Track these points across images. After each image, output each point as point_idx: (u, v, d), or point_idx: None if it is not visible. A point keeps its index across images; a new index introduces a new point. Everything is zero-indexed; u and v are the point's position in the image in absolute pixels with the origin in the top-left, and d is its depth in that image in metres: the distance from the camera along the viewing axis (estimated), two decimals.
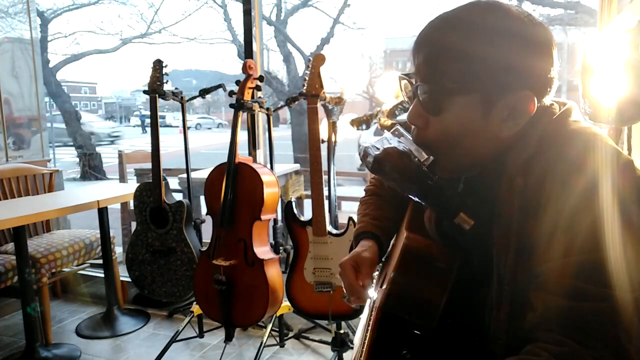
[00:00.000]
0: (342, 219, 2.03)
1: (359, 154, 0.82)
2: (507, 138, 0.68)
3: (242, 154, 2.03)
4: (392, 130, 0.80)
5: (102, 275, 2.69)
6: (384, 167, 0.73)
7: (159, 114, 2.35)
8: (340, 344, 2.05)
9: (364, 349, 0.73)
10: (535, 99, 0.65)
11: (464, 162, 0.72)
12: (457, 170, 0.74)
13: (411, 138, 0.75)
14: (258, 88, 2.14)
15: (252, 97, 2.12)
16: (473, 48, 0.64)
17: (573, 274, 0.58)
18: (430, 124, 0.70)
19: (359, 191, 1.10)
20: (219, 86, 2.28)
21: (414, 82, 0.72)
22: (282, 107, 2.30)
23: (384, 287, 0.75)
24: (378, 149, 0.75)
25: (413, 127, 0.73)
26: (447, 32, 0.67)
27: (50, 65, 10.83)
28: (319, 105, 1.95)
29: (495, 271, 0.67)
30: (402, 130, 0.79)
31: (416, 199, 0.74)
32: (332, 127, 2.04)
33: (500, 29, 0.65)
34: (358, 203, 1.08)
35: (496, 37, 0.64)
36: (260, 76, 2.12)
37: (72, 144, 11.24)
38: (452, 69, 0.65)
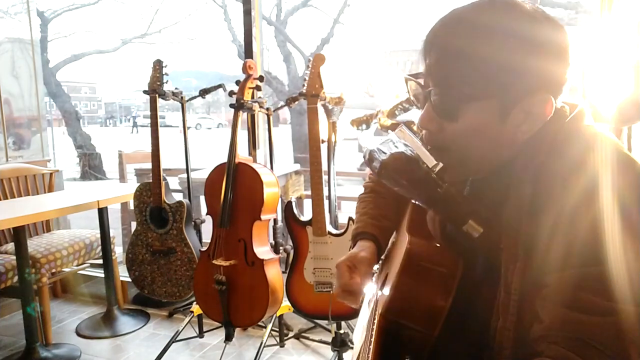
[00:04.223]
0: (342, 219, 2.03)
1: (364, 157, 0.79)
2: (520, 142, 0.66)
3: (242, 154, 2.03)
4: (396, 131, 0.78)
5: (102, 275, 2.69)
6: (390, 174, 0.71)
7: (159, 113, 2.35)
8: (340, 344, 2.04)
9: (369, 356, 0.72)
10: (553, 101, 0.63)
11: (475, 166, 0.70)
12: (467, 173, 0.73)
13: (417, 139, 0.73)
14: (258, 88, 2.14)
15: (252, 97, 2.12)
16: (489, 52, 0.61)
17: (577, 285, 0.57)
18: (444, 129, 0.68)
19: (359, 191, 1.09)
20: (219, 86, 2.28)
21: (423, 84, 0.69)
22: (282, 107, 2.30)
23: (387, 292, 0.74)
24: (385, 153, 0.73)
25: (424, 130, 0.71)
26: (461, 33, 0.64)
27: (50, 65, 10.82)
28: (319, 105, 1.95)
29: (503, 279, 0.65)
30: (407, 130, 0.77)
31: (424, 206, 0.72)
32: (332, 127, 2.04)
33: (517, 30, 0.62)
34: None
35: (513, 39, 0.61)
36: (260, 76, 2.12)
37: None
38: (468, 74, 0.63)
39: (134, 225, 2.55)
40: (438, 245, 0.73)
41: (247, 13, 2.49)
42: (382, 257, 0.95)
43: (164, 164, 2.36)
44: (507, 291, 0.65)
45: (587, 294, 0.56)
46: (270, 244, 2.11)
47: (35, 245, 2.46)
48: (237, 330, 2.31)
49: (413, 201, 0.75)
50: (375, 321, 0.74)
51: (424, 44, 0.67)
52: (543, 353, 0.57)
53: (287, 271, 2.03)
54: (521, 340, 0.63)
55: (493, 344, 0.67)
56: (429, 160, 0.69)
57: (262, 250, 2.00)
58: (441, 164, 0.68)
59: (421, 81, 0.70)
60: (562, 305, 0.58)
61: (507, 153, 0.68)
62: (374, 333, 0.73)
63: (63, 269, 2.55)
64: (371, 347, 0.73)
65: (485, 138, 0.66)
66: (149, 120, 2.36)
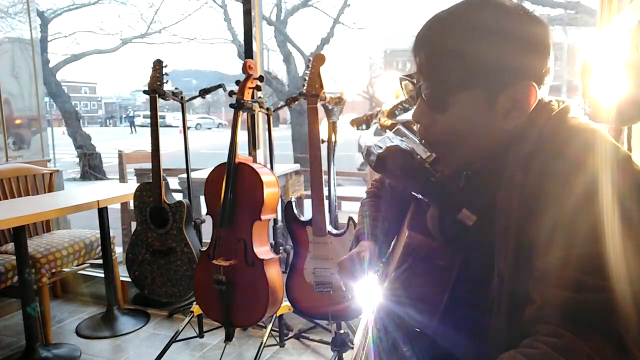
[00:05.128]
0: (342, 219, 2.03)
1: (362, 153, 0.83)
2: (510, 131, 0.69)
3: (242, 154, 2.03)
4: (394, 130, 0.81)
5: (102, 275, 2.69)
6: (386, 165, 0.74)
7: (159, 113, 2.35)
8: (340, 344, 2.04)
9: (366, 346, 0.74)
10: (537, 88, 0.67)
11: (469, 157, 0.72)
12: (461, 165, 0.75)
13: (414, 137, 0.75)
14: (258, 88, 2.14)
15: (252, 97, 2.12)
16: (472, 44, 0.66)
17: (571, 266, 0.58)
18: (436, 122, 0.71)
19: (359, 191, 1.11)
20: (219, 86, 2.28)
21: (416, 82, 0.73)
22: (282, 107, 2.30)
23: (387, 286, 0.76)
24: (381, 147, 0.76)
25: (419, 125, 0.74)
26: (446, 30, 0.68)
27: (50, 65, 10.84)
28: (319, 105, 1.95)
29: (496, 266, 0.67)
30: (404, 129, 0.80)
31: (419, 196, 0.75)
32: (332, 127, 2.04)
33: (497, 23, 0.66)
34: (358, 203, 1.09)
35: (493, 31, 0.66)
36: (260, 76, 2.12)
37: None
38: (454, 67, 0.67)
39: (134, 225, 2.55)
40: (436, 240, 0.75)
41: (247, 13, 2.49)
42: (384, 259, 0.96)
43: (164, 164, 2.36)
44: (500, 277, 0.67)
45: (578, 273, 0.57)
46: (270, 244, 2.11)
47: (35, 245, 2.46)
48: (237, 330, 2.31)
49: (410, 193, 0.76)
50: (375, 314, 0.75)
51: (414, 45, 0.71)
52: (537, 332, 0.58)
53: (287, 271, 2.03)
54: (515, 325, 0.64)
55: (489, 332, 0.68)
56: (423, 152, 0.71)
57: (262, 250, 2.00)
58: (434, 155, 0.71)
59: (414, 80, 0.73)
60: (554, 286, 0.59)
61: (499, 141, 0.70)
62: (373, 325, 0.74)
63: (63, 269, 2.55)
64: (370, 337, 0.74)
65: (475, 127, 0.69)
66: (148, 120, 2.36)
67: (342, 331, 2.05)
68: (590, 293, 0.56)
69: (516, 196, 0.66)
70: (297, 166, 3.34)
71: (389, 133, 0.81)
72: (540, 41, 0.67)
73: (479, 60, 0.66)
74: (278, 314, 2.14)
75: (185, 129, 2.41)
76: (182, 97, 2.37)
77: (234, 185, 1.96)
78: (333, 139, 2.05)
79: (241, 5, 2.50)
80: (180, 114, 2.39)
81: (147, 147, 2.52)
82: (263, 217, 1.95)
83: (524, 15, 0.68)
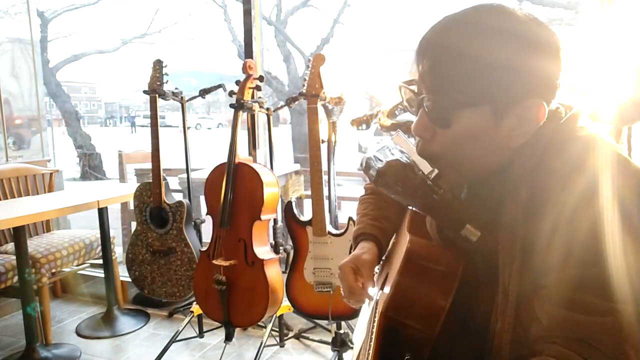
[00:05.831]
0: (342, 219, 2.03)
1: (361, 165, 0.80)
2: (514, 148, 0.66)
3: (242, 154, 2.03)
4: (393, 137, 0.79)
5: (102, 275, 2.69)
6: (387, 181, 0.71)
7: (159, 113, 2.35)
8: (340, 344, 2.04)
9: (369, 354, 0.73)
10: (545, 106, 0.63)
11: (470, 171, 0.70)
12: (462, 179, 0.73)
13: (414, 147, 0.73)
14: (258, 88, 2.14)
15: (252, 97, 2.12)
16: (481, 56, 0.61)
17: (576, 286, 0.57)
18: (438, 136, 0.67)
19: (359, 191, 1.09)
20: (219, 86, 2.28)
21: (417, 91, 0.69)
22: (282, 107, 2.30)
23: (388, 291, 0.74)
24: (381, 160, 0.73)
25: (418, 138, 0.71)
26: (453, 39, 0.64)
27: (50, 65, 10.83)
28: (319, 105, 1.94)
29: (500, 281, 0.66)
30: (403, 136, 0.77)
31: (420, 212, 0.73)
32: (332, 127, 2.04)
33: (509, 34, 0.62)
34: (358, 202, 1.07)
35: (505, 43, 0.61)
36: (260, 76, 2.11)
37: None
38: (461, 80, 0.62)
39: (134, 225, 2.55)
40: (438, 244, 0.73)
41: (247, 13, 2.48)
42: (383, 257, 0.95)
43: (164, 164, 2.36)
44: (504, 293, 0.65)
45: (585, 294, 0.56)
46: (270, 244, 2.11)
47: (35, 245, 2.46)
48: (237, 330, 2.31)
49: (412, 208, 0.75)
50: (376, 320, 0.74)
51: (417, 51, 0.67)
52: (543, 352, 0.57)
53: (287, 271, 2.03)
54: (519, 341, 0.63)
55: (492, 345, 0.67)
56: (425, 167, 0.69)
57: (262, 250, 1.99)
58: (437, 171, 0.68)
59: (414, 88, 0.69)
60: (561, 306, 0.58)
61: (502, 157, 0.68)
62: (374, 331, 0.73)
63: (63, 269, 2.55)
64: (372, 344, 0.73)
65: (479, 143, 0.66)
66: (148, 120, 2.36)
67: (342, 331, 2.05)
68: (597, 315, 0.56)
69: (521, 210, 0.64)
70: (297, 166, 3.34)
71: (389, 142, 0.78)
72: (551, 53, 0.63)
73: (487, 73, 0.61)
74: (278, 314, 2.14)
75: (185, 129, 2.41)
76: (182, 97, 2.37)
77: (234, 185, 1.96)
78: (333, 139, 2.05)
79: (241, 5, 2.50)
80: (180, 114, 2.39)
81: (147, 147, 2.52)
82: (263, 217, 1.95)
83: (535, 24, 0.63)
